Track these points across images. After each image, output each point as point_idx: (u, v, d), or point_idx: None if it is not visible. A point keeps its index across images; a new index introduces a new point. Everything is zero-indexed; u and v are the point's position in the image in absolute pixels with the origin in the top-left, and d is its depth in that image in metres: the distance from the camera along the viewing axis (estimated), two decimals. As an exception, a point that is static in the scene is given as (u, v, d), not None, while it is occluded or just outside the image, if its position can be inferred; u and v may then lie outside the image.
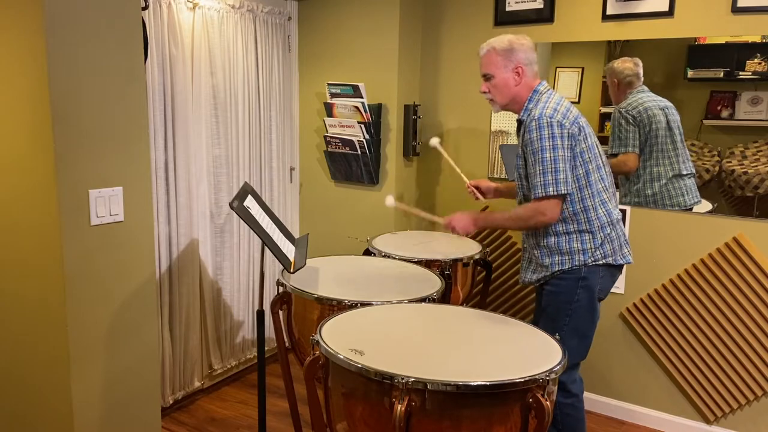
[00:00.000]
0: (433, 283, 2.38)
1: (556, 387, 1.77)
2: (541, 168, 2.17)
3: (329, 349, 1.71)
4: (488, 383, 1.55)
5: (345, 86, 3.35)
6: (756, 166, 2.69)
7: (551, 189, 2.16)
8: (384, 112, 3.37)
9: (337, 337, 1.80)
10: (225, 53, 3.11)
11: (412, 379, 1.54)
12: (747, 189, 2.72)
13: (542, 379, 1.59)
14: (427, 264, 2.64)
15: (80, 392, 2.09)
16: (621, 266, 2.36)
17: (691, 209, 2.85)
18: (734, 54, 2.69)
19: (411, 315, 2.05)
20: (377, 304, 2.11)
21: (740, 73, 2.69)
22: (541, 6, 3.06)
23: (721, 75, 2.73)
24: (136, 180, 2.18)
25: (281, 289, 2.35)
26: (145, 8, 2.59)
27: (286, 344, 2.49)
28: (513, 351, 1.79)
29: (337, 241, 3.57)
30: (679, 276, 2.88)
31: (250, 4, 3.20)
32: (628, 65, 2.88)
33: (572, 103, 3.05)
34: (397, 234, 3.20)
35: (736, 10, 2.62)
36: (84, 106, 1.99)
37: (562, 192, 2.17)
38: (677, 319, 2.91)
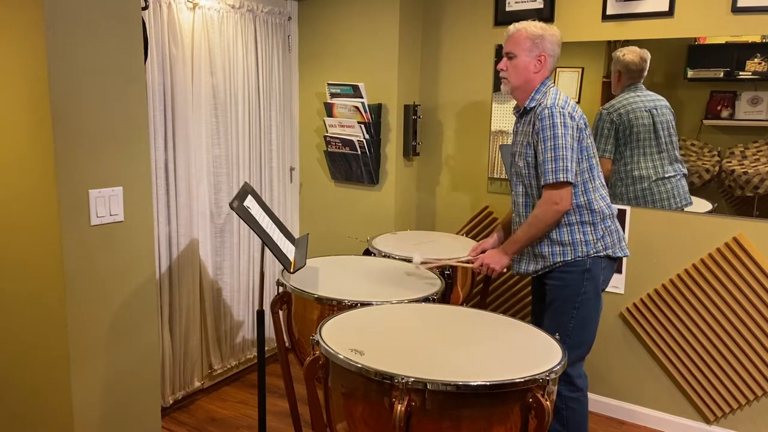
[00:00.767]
0: (433, 283, 2.38)
1: (556, 387, 1.77)
2: (552, 154, 2.20)
3: (329, 349, 1.71)
4: (488, 383, 1.55)
5: (345, 86, 3.35)
6: (756, 166, 2.69)
7: (561, 175, 2.19)
8: (384, 112, 3.37)
9: (337, 337, 1.80)
10: (225, 53, 3.11)
11: (412, 379, 1.54)
12: (747, 189, 2.72)
13: (542, 379, 1.59)
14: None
15: (80, 392, 2.09)
16: (618, 259, 2.39)
17: (682, 210, 2.85)
18: (734, 54, 2.69)
19: (411, 315, 2.05)
20: (377, 304, 2.11)
21: (740, 73, 2.69)
22: (541, 6, 3.06)
23: (721, 75, 2.73)
24: (136, 180, 2.18)
25: (281, 289, 2.35)
26: (145, 8, 2.59)
27: (286, 344, 2.49)
28: (513, 351, 1.79)
29: (337, 241, 3.57)
30: (679, 276, 2.88)
31: (250, 4, 3.20)
32: (636, 60, 2.84)
33: (572, 103, 3.10)
34: (397, 234, 3.20)
35: (736, 10, 2.62)
36: (84, 106, 1.99)
37: (570, 180, 2.20)
38: (677, 319, 2.91)
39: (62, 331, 2.03)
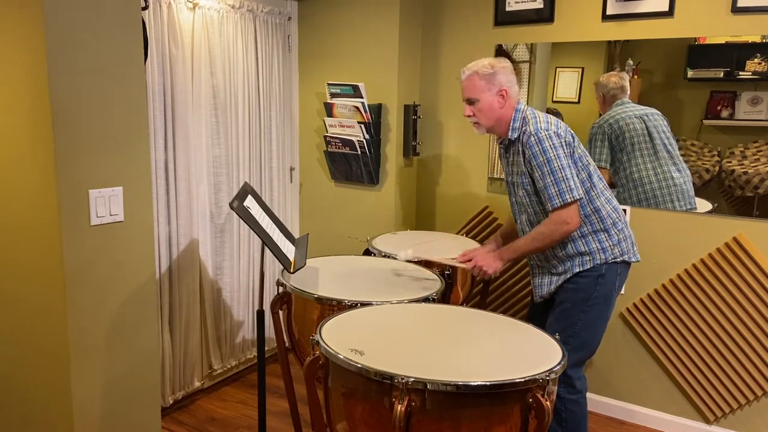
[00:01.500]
0: (433, 283, 2.38)
1: (556, 387, 1.77)
2: (552, 179, 2.20)
3: (329, 349, 1.70)
4: (488, 383, 1.55)
5: (345, 86, 3.35)
6: (756, 166, 2.69)
7: (567, 196, 2.20)
8: (384, 112, 3.37)
9: (337, 337, 1.80)
10: (225, 53, 3.11)
11: (412, 379, 1.54)
12: (747, 189, 2.72)
13: (542, 379, 1.59)
14: (427, 264, 2.64)
15: (80, 392, 2.09)
16: (631, 264, 2.41)
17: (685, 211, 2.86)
18: (734, 54, 2.69)
19: (411, 315, 2.05)
20: (377, 304, 2.11)
21: (740, 73, 2.69)
22: (541, 6, 3.06)
23: (721, 75, 2.73)
24: (136, 180, 2.18)
25: (281, 289, 2.35)
26: (145, 8, 2.59)
27: (286, 344, 2.49)
28: (513, 351, 1.79)
29: (337, 241, 3.57)
30: (679, 276, 2.88)
31: (250, 4, 3.20)
32: (613, 79, 2.93)
33: (572, 103, 3.10)
34: (397, 234, 3.20)
35: (736, 10, 2.62)
36: (84, 106, 1.99)
37: (577, 197, 2.21)
38: (677, 319, 2.91)
39: (62, 331, 2.03)
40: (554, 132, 2.22)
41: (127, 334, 2.23)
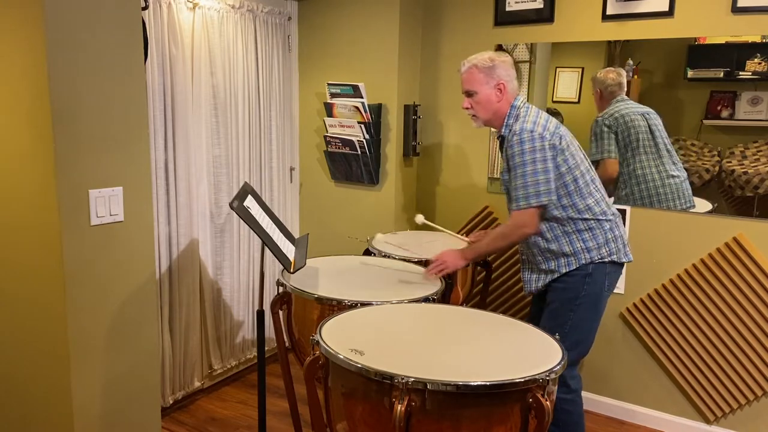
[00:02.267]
0: (433, 283, 2.38)
1: (557, 387, 1.77)
2: (522, 181, 2.24)
3: (329, 349, 1.70)
4: (488, 383, 1.55)
5: (345, 86, 3.35)
6: (756, 166, 2.69)
7: (533, 200, 2.23)
8: (384, 112, 3.37)
9: (337, 337, 1.80)
10: (225, 53, 3.11)
11: (412, 379, 1.54)
12: (747, 189, 2.72)
13: (542, 379, 1.59)
14: (427, 264, 2.64)
15: (80, 392, 2.09)
16: (623, 264, 2.40)
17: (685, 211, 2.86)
18: (734, 54, 2.69)
19: (411, 315, 2.05)
20: (377, 304, 2.11)
21: (740, 73, 2.69)
22: (541, 6, 3.06)
23: (721, 75, 2.73)
24: (136, 180, 2.18)
25: (281, 289, 2.35)
26: (145, 8, 2.59)
27: (286, 344, 2.49)
28: (513, 351, 1.79)
29: (337, 241, 3.57)
30: (679, 276, 2.88)
31: (250, 4, 3.20)
32: (611, 75, 2.93)
33: (572, 103, 3.10)
34: (397, 234, 3.20)
35: (736, 10, 2.62)
36: (84, 106, 1.99)
37: (543, 202, 2.24)
38: (677, 319, 2.91)
39: (62, 331, 2.03)
40: (539, 134, 2.23)
41: (127, 334, 2.23)
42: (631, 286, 3.00)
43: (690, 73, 2.79)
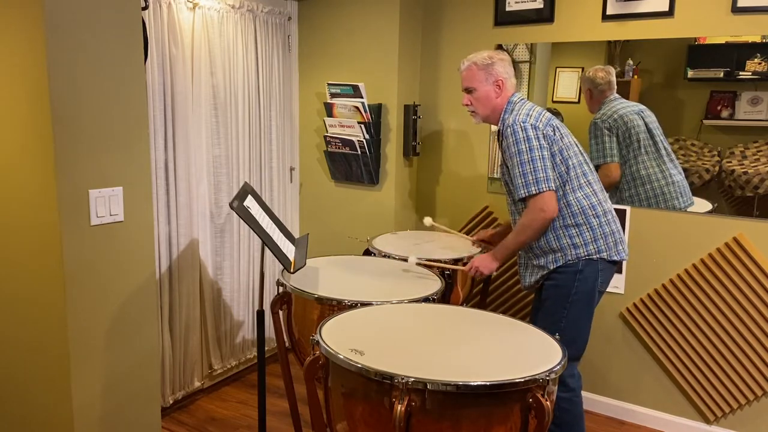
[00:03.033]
0: (433, 283, 2.38)
1: (557, 387, 1.78)
2: (520, 170, 2.26)
3: (329, 349, 1.71)
4: (488, 383, 1.55)
5: (345, 86, 3.35)
6: (756, 166, 2.69)
7: (533, 188, 2.25)
8: (384, 112, 3.37)
9: (337, 337, 1.80)
10: (225, 53, 3.11)
11: (412, 379, 1.54)
12: (747, 189, 2.72)
13: (542, 379, 1.59)
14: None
15: (80, 392, 2.09)
16: (617, 262, 2.40)
17: (685, 211, 2.86)
18: (734, 54, 2.69)
19: (411, 315, 2.05)
20: (377, 304, 2.11)
21: (740, 73, 2.69)
22: (541, 6, 3.06)
23: (721, 75, 2.73)
24: (136, 180, 2.18)
25: (281, 289, 2.35)
26: (145, 8, 2.59)
27: (286, 344, 2.49)
28: (513, 351, 1.79)
29: (337, 241, 3.57)
30: (679, 276, 2.88)
31: (250, 4, 3.20)
32: (600, 74, 2.93)
33: (572, 103, 3.10)
34: (397, 234, 3.20)
35: (736, 10, 2.62)
36: (84, 106, 1.99)
37: (544, 189, 2.24)
38: (677, 319, 2.91)
39: (62, 331, 2.03)
40: (531, 124, 2.26)
41: (127, 334, 2.23)
42: (631, 286, 3.00)
43: (690, 73, 2.79)
